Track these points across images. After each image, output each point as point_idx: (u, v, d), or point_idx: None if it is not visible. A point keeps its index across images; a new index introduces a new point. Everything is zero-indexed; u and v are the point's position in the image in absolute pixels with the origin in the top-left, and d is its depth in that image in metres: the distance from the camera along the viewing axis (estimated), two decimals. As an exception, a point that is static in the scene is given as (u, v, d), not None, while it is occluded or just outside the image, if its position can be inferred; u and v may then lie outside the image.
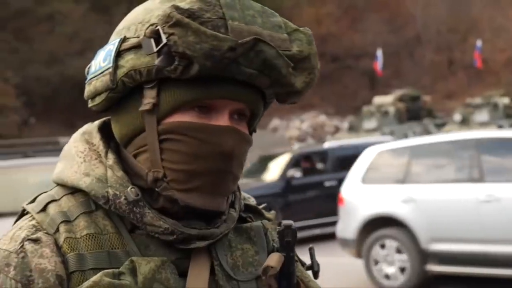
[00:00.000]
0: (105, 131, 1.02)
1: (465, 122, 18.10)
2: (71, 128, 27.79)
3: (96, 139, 1.00)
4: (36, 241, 0.91)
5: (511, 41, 34.46)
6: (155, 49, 0.89)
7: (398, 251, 6.93)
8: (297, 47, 0.95)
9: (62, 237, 0.92)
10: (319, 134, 27.34)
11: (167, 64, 0.89)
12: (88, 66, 1.01)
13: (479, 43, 27.66)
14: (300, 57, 0.95)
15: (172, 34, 0.87)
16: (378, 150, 7.61)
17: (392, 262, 6.99)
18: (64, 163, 1.01)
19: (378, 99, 21.96)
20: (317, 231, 10.80)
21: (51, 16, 31.39)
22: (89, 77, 0.99)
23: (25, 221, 0.95)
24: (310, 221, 10.62)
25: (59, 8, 31.38)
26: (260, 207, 1.13)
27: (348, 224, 7.41)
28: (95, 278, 0.88)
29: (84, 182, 0.96)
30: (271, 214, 1.13)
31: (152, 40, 0.90)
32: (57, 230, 0.93)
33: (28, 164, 6.93)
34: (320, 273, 1.11)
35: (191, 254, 0.97)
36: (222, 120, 0.94)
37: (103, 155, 0.98)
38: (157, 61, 0.89)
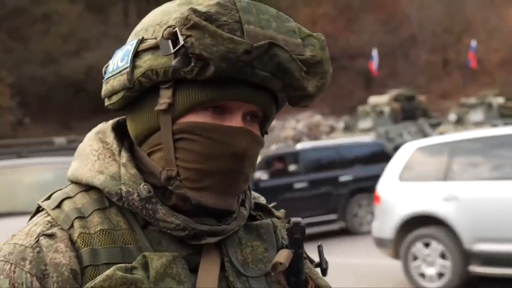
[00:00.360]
0: (118, 130, 1.05)
1: (460, 122, 18.15)
2: (66, 128, 27.76)
3: (110, 138, 1.03)
4: (51, 236, 0.94)
5: (505, 42, 34.55)
6: (172, 50, 0.92)
7: (439, 251, 6.61)
8: (310, 52, 0.98)
9: (76, 232, 0.94)
10: (314, 134, 27.36)
11: (184, 65, 0.91)
12: (105, 66, 1.05)
13: (473, 43, 27.73)
14: (313, 61, 0.98)
15: (189, 36, 0.90)
16: (416, 146, 7.28)
17: (432, 262, 6.68)
18: (79, 161, 1.04)
19: (373, 99, 22.00)
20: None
21: (47, 16, 31.31)
22: (106, 76, 1.02)
23: (40, 217, 0.98)
24: None
25: (54, 8, 31.31)
26: (270, 205, 1.16)
27: (384, 223, 7.12)
28: (108, 272, 0.90)
29: (98, 180, 0.98)
30: (280, 213, 1.15)
31: (170, 42, 0.92)
32: (72, 226, 0.95)
33: (23, 165, 6.91)
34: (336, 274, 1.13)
35: (202, 250, 0.99)
36: (236, 121, 0.96)
37: (117, 154, 1.01)
38: (174, 62, 0.92)
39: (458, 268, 6.42)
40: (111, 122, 1.08)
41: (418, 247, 6.78)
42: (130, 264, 0.92)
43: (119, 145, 1.02)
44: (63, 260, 0.92)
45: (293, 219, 1.02)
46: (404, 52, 37.06)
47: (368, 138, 13.90)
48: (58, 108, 30.00)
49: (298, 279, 1.02)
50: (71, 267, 0.92)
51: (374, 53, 28.24)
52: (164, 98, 0.96)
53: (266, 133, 1.08)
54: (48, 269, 0.92)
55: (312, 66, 0.98)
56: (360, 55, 33.41)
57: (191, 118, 0.95)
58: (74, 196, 1.00)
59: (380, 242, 7.26)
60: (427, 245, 6.73)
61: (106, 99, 1.03)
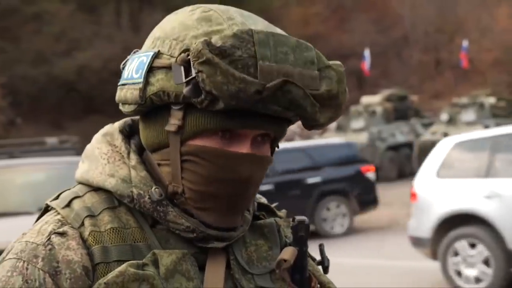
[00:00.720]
0: (125, 132, 1.08)
1: (452, 122, 18.20)
2: (57, 128, 27.61)
3: (118, 140, 1.05)
4: (62, 234, 0.96)
5: (497, 42, 34.69)
6: (183, 80, 0.91)
7: (481, 251, 6.38)
8: (326, 86, 0.97)
9: (87, 230, 0.97)
10: (306, 134, 27.39)
11: (194, 96, 0.92)
12: (122, 63, 1.05)
13: (465, 43, 27.83)
14: (328, 96, 0.97)
15: (201, 71, 0.89)
16: (454, 141, 6.99)
17: (473, 263, 6.45)
18: (88, 164, 1.06)
19: (366, 99, 22.02)
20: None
21: (38, 16, 31.17)
22: (121, 82, 1.03)
23: (50, 216, 1.01)
24: None
25: (46, 8, 31.16)
26: (272, 205, 1.18)
27: (422, 222, 6.87)
28: (120, 268, 0.93)
29: (109, 183, 1.01)
30: (282, 213, 1.18)
31: (182, 68, 0.92)
32: (82, 224, 0.98)
33: (15, 165, 6.88)
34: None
35: (208, 249, 1.02)
36: (244, 147, 0.98)
37: (126, 156, 1.03)
38: (184, 91, 0.92)
39: (501, 269, 6.16)
40: (117, 124, 1.09)
41: (462, 245, 6.49)
42: (141, 261, 0.94)
43: (127, 148, 1.04)
44: (75, 257, 0.94)
45: (298, 218, 1.04)
46: (396, 52, 37.13)
47: (338, 139, 13.73)
48: (50, 108, 29.88)
49: (302, 276, 1.04)
50: (83, 264, 0.94)
51: (366, 53, 28.28)
52: (175, 119, 0.97)
53: (277, 146, 1.09)
54: (60, 266, 0.94)
55: (327, 100, 0.98)
56: (353, 55, 33.45)
57: (199, 142, 0.97)
58: (83, 195, 1.02)
59: (417, 242, 7.00)
60: (472, 245, 6.45)
61: (120, 104, 1.05)
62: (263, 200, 1.19)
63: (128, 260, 0.95)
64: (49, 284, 0.93)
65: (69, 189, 1.06)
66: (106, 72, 30.37)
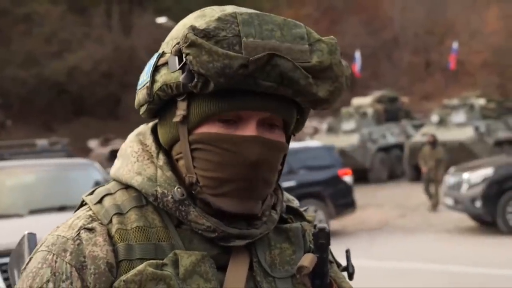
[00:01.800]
0: (157, 133, 1.11)
1: (442, 123, 18.27)
2: (48, 130, 27.47)
3: (149, 140, 1.09)
4: (91, 230, 1.00)
5: (487, 43, 34.90)
6: (177, 67, 0.97)
7: None
8: (317, 58, 0.98)
9: (114, 228, 1.00)
10: (298, 135, 27.40)
11: (189, 81, 0.96)
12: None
13: (455, 45, 27.97)
14: (321, 67, 0.98)
15: (188, 54, 0.94)
16: None
17: None
18: (121, 161, 1.10)
19: (357, 101, 22.08)
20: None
21: (28, 17, 31.03)
22: (137, 87, 1.08)
23: (83, 211, 1.05)
24: None
25: (36, 9, 31.02)
26: (302, 209, 1.19)
27: None
28: (140, 267, 0.95)
29: (136, 181, 1.04)
30: (311, 217, 1.19)
31: (177, 58, 0.97)
32: (111, 221, 1.01)
33: (5, 167, 6.84)
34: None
35: (232, 250, 1.03)
36: (249, 130, 0.99)
37: (155, 156, 1.06)
38: (181, 78, 0.97)
39: None
40: (151, 124, 1.14)
41: None
42: (161, 261, 0.97)
43: (157, 148, 1.07)
44: (101, 254, 0.97)
45: (319, 225, 1.05)
46: (386, 53, 37.27)
47: (316, 142, 13.62)
48: (40, 110, 29.74)
49: (323, 282, 1.05)
50: (107, 260, 0.97)
51: (357, 55, 28.36)
52: (180, 110, 1.01)
53: (294, 134, 1.11)
54: (86, 261, 0.97)
55: (321, 72, 0.99)
56: (343, 56, 33.45)
57: (205, 129, 1.00)
58: (114, 193, 1.06)
59: None
60: None
61: (140, 110, 1.09)
62: (295, 203, 1.20)
63: (151, 259, 0.97)
64: (75, 278, 0.96)
65: (103, 185, 1.09)
66: (97, 74, 30.29)
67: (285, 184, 11.10)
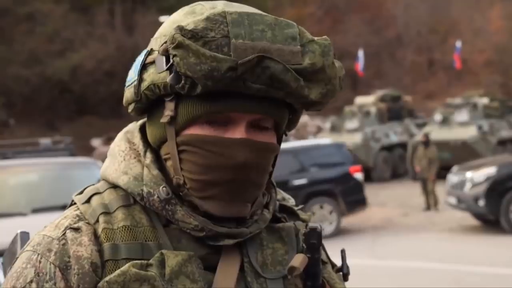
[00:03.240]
0: (145, 131, 1.09)
1: (445, 122, 18.24)
2: (51, 129, 27.47)
3: (137, 138, 1.07)
4: (77, 230, 0.98)
5: (490, 42, 34.82)
6: (164, 67, 0.95)
7: None
8: (309, 59, 0.95)
9: (100, 227, 0.98)
10: (301, 134, 27.40)
11: (176, 82, 0.94)
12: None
13: (458, 44, 27.91)
14: (312, 69, 0.95)
15: (175, 55, 0.91)
16: None
17: None
18: (109, 160, 1.08)
19: (360, 99, 22.06)
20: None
21: (31, 16, 31.04)
22: (126, 84, 1.06)
23: (70, 211, 1.04)
24: None
25: (39, 8, 31.03)
26: (297, 208, 1.16)
27: None
28: (123, 268, 0.94)
29: (122, 180, 1.02)
30: (307, 216, 1.16)
31: (164, 58, 0.95)
32: (97, 220, 0.99)
33: (8, 166, 6.85)
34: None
35: (222, 249, 1.01)
36: (238, 132, 0.97)
37: (142, 154, 1.04)
38: (168, 79, 0.94)
39: None
40: (140, 122, 1.11)
41: None
42: (146, 261, 0.95)
43: (144, 146, 1.05)
44: (85, 254, 0.96)
45: (310, 225, 1.03)
46: (390, 52, 37.21)
47: (327, 140, 13.65)
48: (43, 109, 29.76)
49: (315, 283, 1.03)
50: (92, 260, 0.95)
51: (360, 53, 28.31)
52: (168, 110, 0.98)
53: (285, 134, 1.08)
54: (71, 261, 0.95)
55: (313, 74, 0.95)
56: (346, 55, 33.47)
57: (192, 131, 0.97)
58: (103, 192, 1.04)
59: None
60: None
61: (128, 107, 1.07)
62: (291, 202, 1.17)
63: (137, 259, 0.95)
64: (59, 278, 0.95)
65: (93, 185, 1.08)
66: (100, 73, 30.30)
67: (297, 182, 11.22)
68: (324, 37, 0.99)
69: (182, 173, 0.99)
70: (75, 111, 30.28)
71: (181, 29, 0.91)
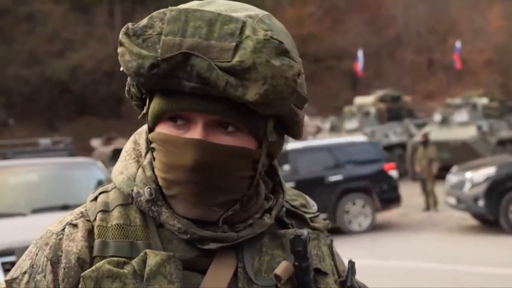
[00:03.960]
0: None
1: (445, 122, 18.25)
2: (50, 129, 27.44)
3: (142, 139, 1.08)
4: (75, 226, 1.01)
5: (490, 42, 34.83)
6: (122, 67, 0.97)
7: None
8: (238, 57, 0.89)
9: (96, 224, 1.00)
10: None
11: (132, 80, 0.98)
12: None
13: (458, 44, 27.91)
14: (241, 67, 0.89)
15: (119, 54, 0.95)
16: None
17: None
18: (118, 160, 1.11)
19: (359, 100, 22.06)
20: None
21: (31, 16, 31.03)
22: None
23: (79, 208, 1.06)
24: None
25: (38, 8, 31.02)
26: (313, 215, 1.13)
27: None
28: (98, 264, 0.95)
29: (117, 180, 1.04)
30: (321, 223, 1.12)
31: None
32: (96, 218, 1.01)
33: (8, 166, 6.85)
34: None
35: (216, 253, 0.99)
36: (195, 132, 0.95)
37: (143, 155, 1.05)
38: (128, 79, 0.99)
39: None
40: None
41: None
42: (123, 259, 0.95)
43: (147, 147, 1.05)
44: (74, 249, 0.98)
45: (296, 231, 0.99)
46: (389, 52, 37.21)
47: (362, 138, 13.82)
48: (43, 109, 29.76)
49: None
50: (79, 255, 0.97)
51: (360, 53, 28.31)
52: (145, 108, 1.01)
53: (294, 137, 1.07)
54: (62, 255, 0.98)
55: (245, 72, 0.89)
56: (346, 55, 33.47)
57: (159, 129, 0.98)
58: (110, 190, 1.06)
59: None
60: None
61: None
62: (314, 209, 1.14)
63: (125, 257, 0.96)
64: (48, 271, 0.98)
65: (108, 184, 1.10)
66: (99, 73, 30.28)
67: (332, 178, 11.34)
68: (265, 32, 0.92)
69: (155, 170, 1.00)
70: (75, 111, 30.27)
71: (127, 27, 0.94)
